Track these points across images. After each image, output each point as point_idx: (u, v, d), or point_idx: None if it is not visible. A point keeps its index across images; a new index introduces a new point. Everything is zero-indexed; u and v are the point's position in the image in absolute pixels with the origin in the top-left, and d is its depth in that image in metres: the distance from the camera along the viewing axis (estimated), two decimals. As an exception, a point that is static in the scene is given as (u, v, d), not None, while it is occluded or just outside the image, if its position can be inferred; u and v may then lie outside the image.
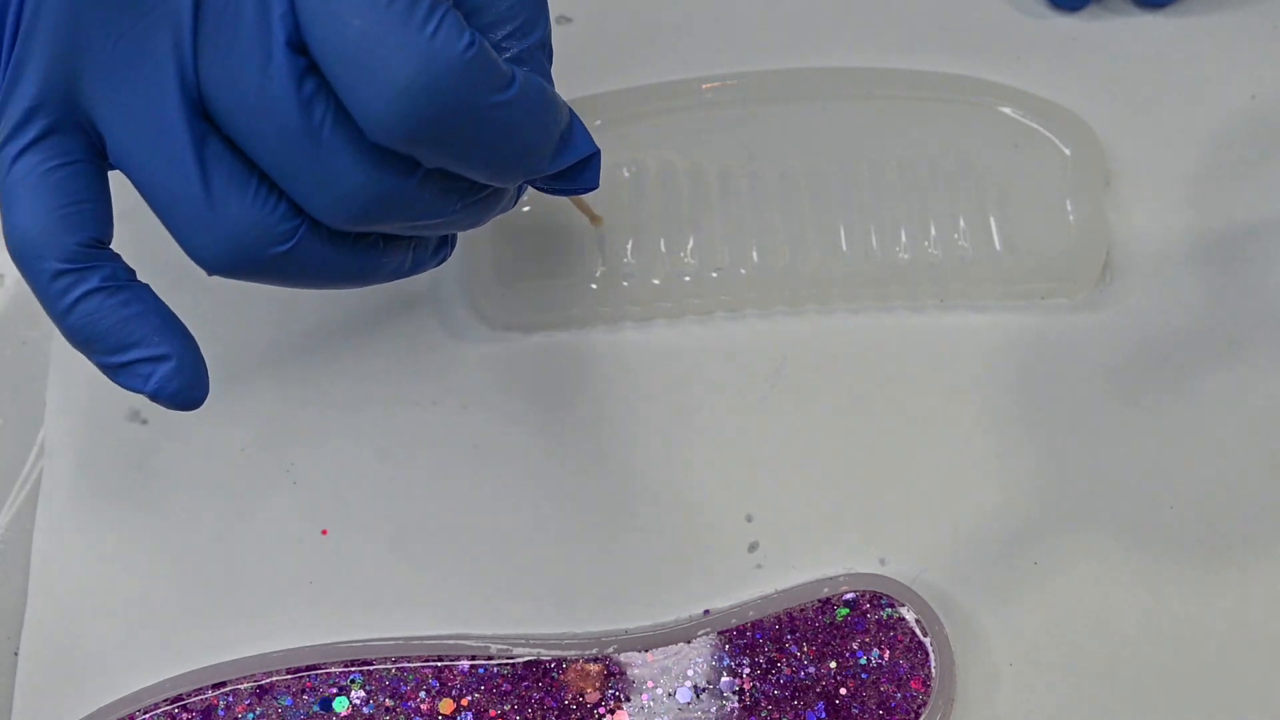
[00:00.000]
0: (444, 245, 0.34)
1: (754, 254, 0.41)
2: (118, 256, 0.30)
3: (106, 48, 0.29)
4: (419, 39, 0.27)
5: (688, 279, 0.41)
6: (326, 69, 0.28)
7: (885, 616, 0.38)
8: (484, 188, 0.31)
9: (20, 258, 0.29)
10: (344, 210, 0.29)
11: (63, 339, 0.41)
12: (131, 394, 0.41)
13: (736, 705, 0.37)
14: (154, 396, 0.30)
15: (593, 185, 0.32)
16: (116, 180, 0.31)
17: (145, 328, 0.30)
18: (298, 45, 0.28)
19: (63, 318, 0.30)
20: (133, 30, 0.29)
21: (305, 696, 0.38)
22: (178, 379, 0.30)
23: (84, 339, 0.30)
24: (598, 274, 0.41)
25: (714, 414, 0.41)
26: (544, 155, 0.30)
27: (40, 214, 0.29)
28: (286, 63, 0.28)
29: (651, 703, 0.37)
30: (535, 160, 0.30)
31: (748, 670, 0.38)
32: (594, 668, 0.38)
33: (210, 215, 0.29)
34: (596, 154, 0.32)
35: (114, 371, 0.30)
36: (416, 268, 0.33)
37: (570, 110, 0.32)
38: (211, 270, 0.30)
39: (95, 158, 0.30)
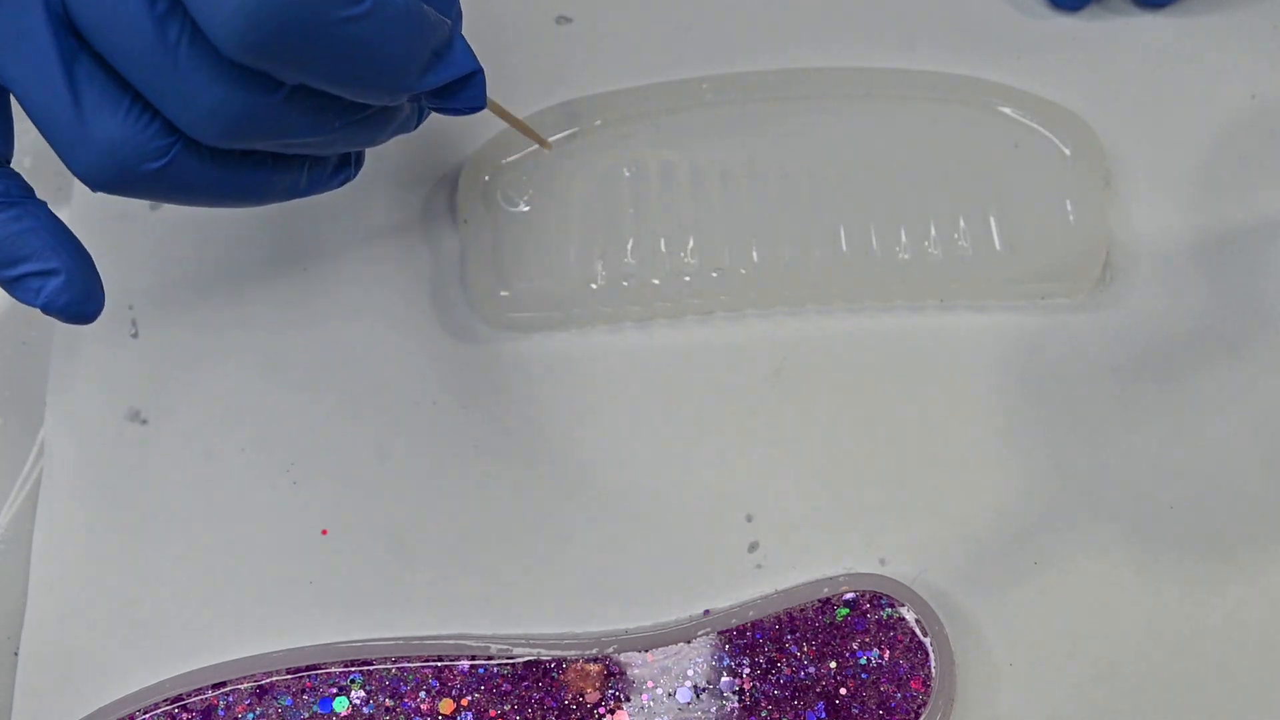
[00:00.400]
0: (345, 166, 0.34)
1: (754, 254, 0.41)
2: (16, 175, 0.31)
3: None
4: None
5: (688, 279, 0.41)
6: None
7: (885, 616, 0.38)
8: (364, 107, 0.31)
9: None
10: (210, 127, 0.29)
11: (64, 338, 0.41)
12: (131, 394, 0.41)
13: (736, 705, 0.37)
14: (45, 309, 0.31)
15: (478, 104, 0.32)
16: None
17: (35, 243, 0.30)
18: None
19: None
20: None
21: (305, 696, 0.37)
22: (67, 293, 0.31)
23: None
24: (598, 274, 0.41)
25: (714, 414, 0.41)
26: (410, 72, 0.30)
27: None
28: None
29: (651, 703, 0.37)
30: (400, 78, 0.30)
31: (748, 670, 0.38)
32: (594, 668, 0.38)
33: (83, 132, 0.30)
34: (477, 71, 0.31)
35: (7, 286, 0.31)
36: (314, 186, 0.33)
37: (452, 27, 0.31)
38: (93, 186, 0.30)
39: None
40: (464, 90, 0.31)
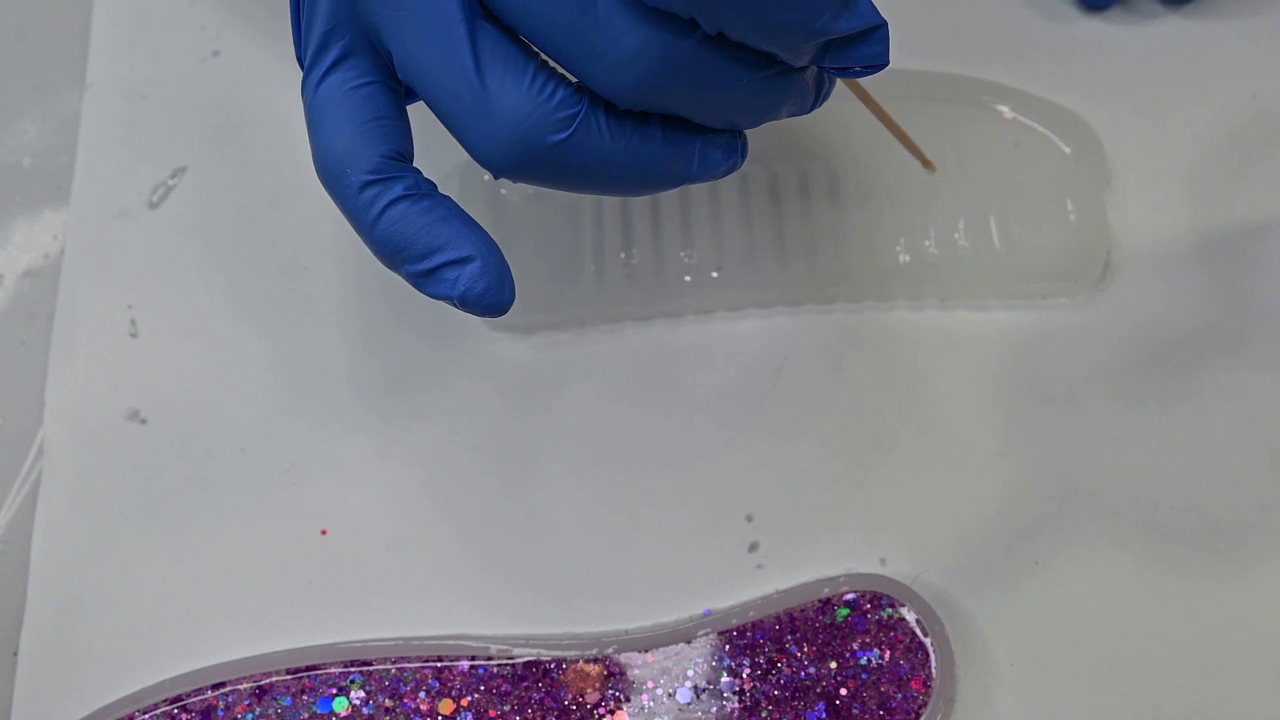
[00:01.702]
0: (732, 151, 0.33)
1: (754, 254, 0.41)
2: (419, 171, 0.31)
3: None
4: None
5: (688, 279, 0.41)
6: None
7: (885, 617, 0.38)
8: (773, 63, 0.30)
9: (329, 174, 0.30)
10: (625, 76, 0.29)
11: (63, 338, 0.41)
12: (130, 394, 0.41)
13: (737, 706, 0.37)
14: (462, 299, 0.30)
15: (881, 60, 0.30)
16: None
17: (449, 232, 0.30)
18: None
19: (371, 228, 0.30)
20: None
21: (305, 697, 0.37)
22: (484, 279, 0.30)
23: (392, 248, 0.30)
24: (598, 274, 0.41)
25: (714, 414, 0.41)
26: (819, 13, 0.28)
27: (345, 130, 0.30)
28: None
29: (651, 703, 0.37)
30: (815, 17, 0.28)
31: (748, 671, 0.37)
32: (594, 668, 0.38)
33: (487, 108, 0.29)
34: (883, 24, 0.30)
35: (422, 280, 0.30)
36: (705, 170, 0.32)
37: None
38: (497, 169, 0.30)
39: (389, 79, 0.31)
40: (867, 44, 0.30)
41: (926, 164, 0.40)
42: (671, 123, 0.31)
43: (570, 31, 0.29)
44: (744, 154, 0.33)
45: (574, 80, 0.30)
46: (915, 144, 0.40)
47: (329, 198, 0.40)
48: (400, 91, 0.31)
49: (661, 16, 0.28)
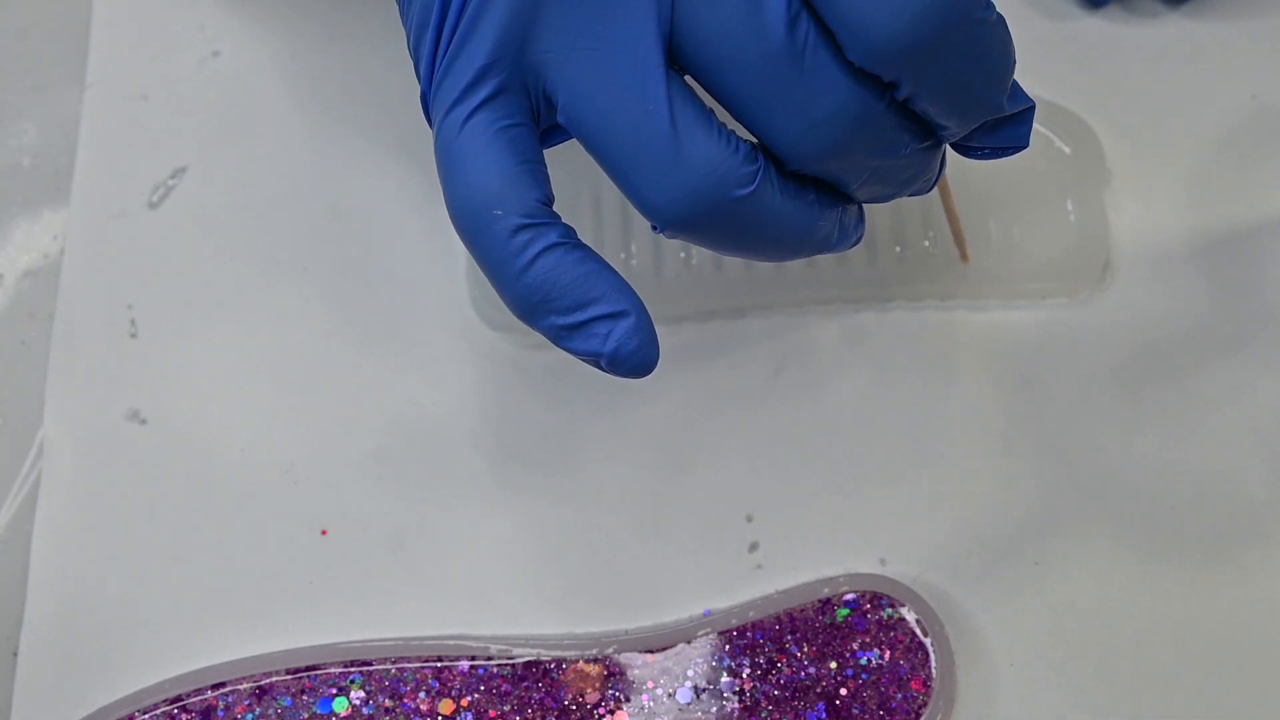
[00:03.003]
0: (862, 219, 0.33)
1: (754, 254, 0.41)
2: (559, 217, 0.30)
3: None
4: None
5: (688, 279, 0.41)
6: None
7: (885, 617, 0.38)
8: (929, 136, 0.30)
9: (474, 216, 0.29)
10: (817, 136, 0.28)
11: (63, 338, 0.41)
12: (130, 394, 0.41)
13: (737, 706, 0.37)
14: (611, 357, 0.29)
15: (1023, 143, 0.31)
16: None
17: (603, 284, 0.29)
18: None
19: (520, 275, 0.29)
20: None
21: (305, 697, 0.37)
22: (637, 336, 0.29)
23: (541, 297, 0.29)
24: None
25: (714, 414, 0.41)
26: (1003, 90, 0.29)
27: (498, 171, 0.29)
28: None
29: (652, 703, 0.37)
30: (997, 92, 0.29)
31: (748, 671, 0.37)
32: (594, 668, 0.38)
33: (676, 158, 0.28)
34: (1033, 107, 0.31)
35: (569, 333, 0.29)
36: (841, 240, 0.32)
37: None
38: (669, 222, 0.29)
39: (533, 121, 0.30)
40: (1018, 124, 0.31)
41: (964, 256, 0.41)
42: (824, 188, 0.31)
43: (770, 86, 0.28)
44: (862, 232, 0.33)
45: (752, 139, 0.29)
46: (963, 233, 0.40)
47: (328, 199, 0.40)
48: (538, 136, 0.30)
49: (863, 77, 0.28)
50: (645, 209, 0.29)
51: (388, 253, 0.43)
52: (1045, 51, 0.44)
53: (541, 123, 0.30)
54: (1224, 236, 0.42)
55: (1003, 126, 0.30)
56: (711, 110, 0.29)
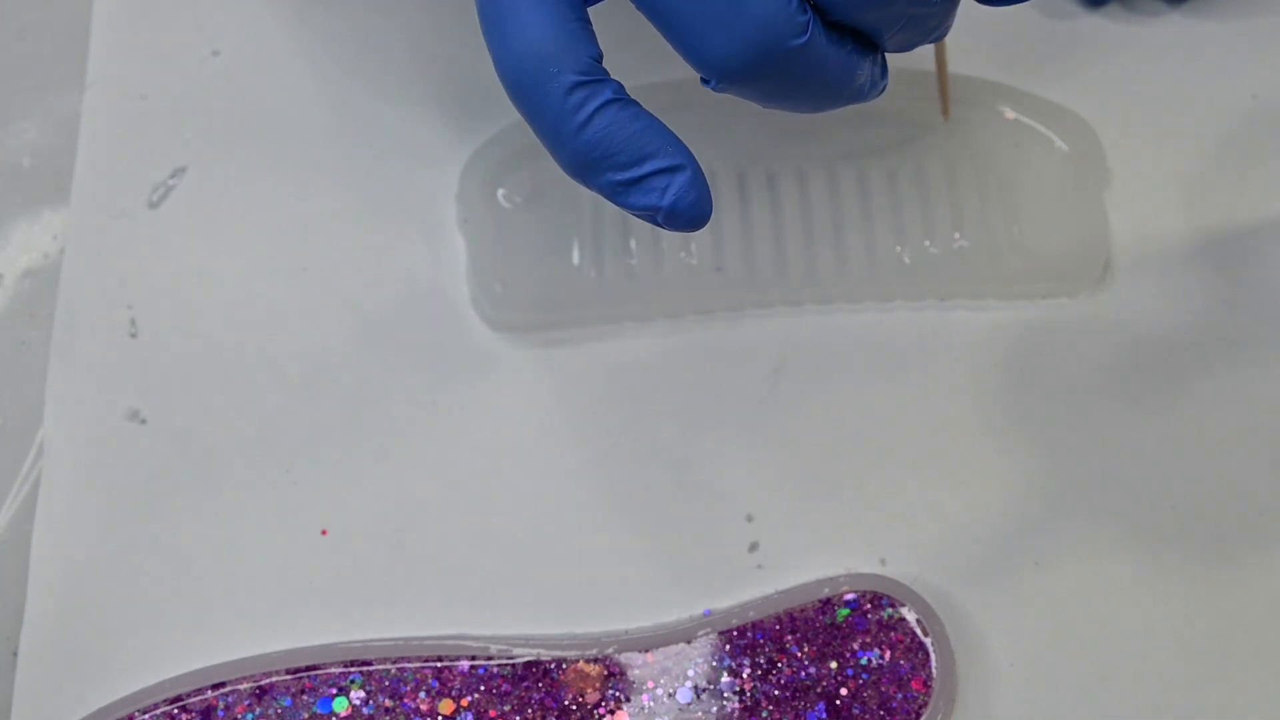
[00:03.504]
0: (884, 73, 0.33)
1: (754, 254, 0.41)
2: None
3: None
4: None
5: (688, 279, 0.41)
6: None
7: (886, 617, 0.38)
8: None
9: (530, 73, 0.29)
10: None
11: (63, 338, 0.41)
12: (130, 394, 0.41)
13: (737, 706, 0.37)
14: (670, 211, 0.29)
15: None
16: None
17: (660, 139, 0.29)
18: None
19: (578, 132, 0.29)
20: None
21: (305, 697, 0.37)
22: (694, 189, 0.29)
23: (600, 153, 0.29)
24: (598, 274, 0.41)
25: (714, 414, 0.41)
26: None
27: (550, 28, 0.29)
28: None
29: (652, 703, 0.37)
30: None
31: (748, 671, 0.37)
32: (594, 668, 0.38)
33: (737, 10, 0.28)
34: None
35: (627, 188, 0.29)
36: (871, 88, 0.32)
37: None
38: (727, 74, 0.29)
39: None
40: None
41: (945, 112, 0.41)
42: (859, 37, 0.31)
43: None
44: (886, 82, 0.33)
45: None
46: (949, 90, 0.41)
47: (329, 199, 0.40)
48: None
49: None
50: (701, 62, 0.29)
51: (388, 252, 0.43)
52: (1045, 50, 0.44)
53: None
54: (1224, 236, 0.42)
55: None
56: None
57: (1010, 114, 0.43)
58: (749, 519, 0.40)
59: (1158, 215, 0.43)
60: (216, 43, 0.45)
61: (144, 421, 0.41)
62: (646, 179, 0.29)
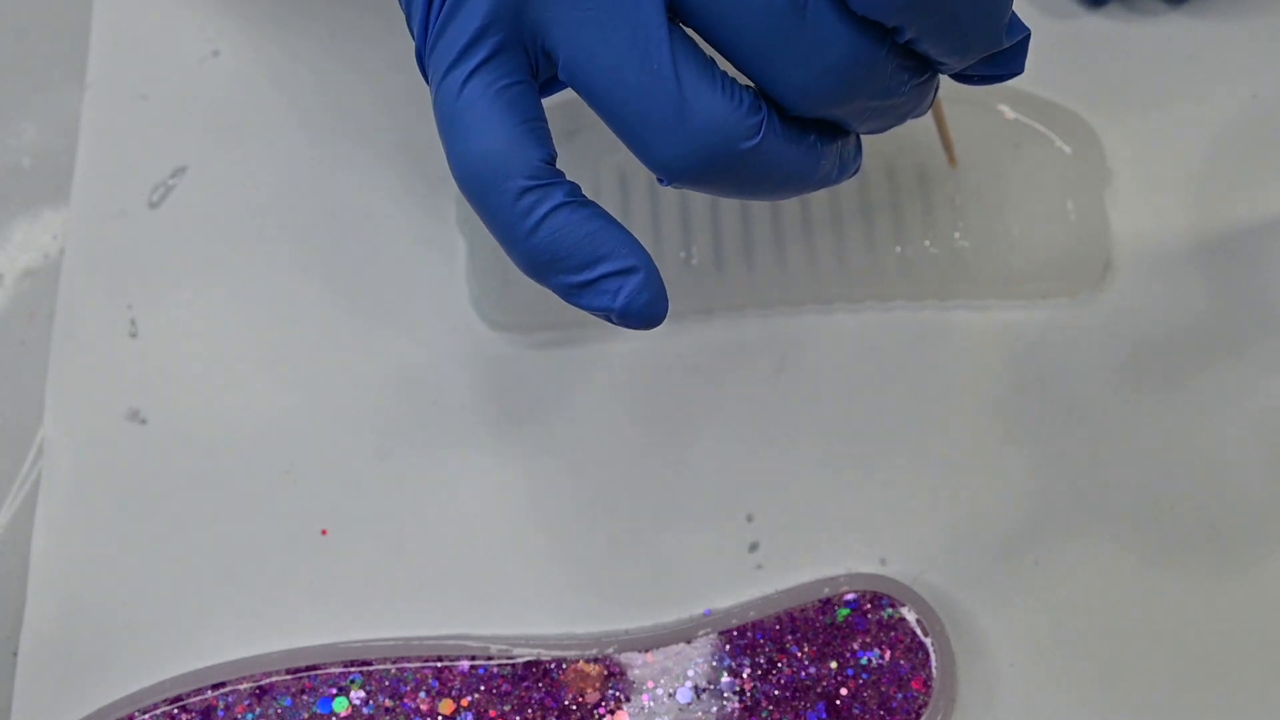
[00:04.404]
0: (858, 154, 0.33)
1: (754, 254, 0.41)
2: (564, 175, 0.30)
3: None
4: None
5: (688, 279, 0.41)
6: None
7: (886, 617, 0.38)
8: (927, 70, 0.31)
9: (478, 179, 0.29)
10: (821, 86, 0.29)
11: (63, 338, 0.41)
12: (130, 394, 0.41)
13: (737, 706, 0.37)
14: (622, 312, 0.29)
15: (1020, 68, 0.31)
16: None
17: (612, 240, 0.29)
18: None
19: (528, 237, 0.29)
20: None
21: (305, 697, 0.37)
22: (647, 291, 0.29)
23: (550, 258, 0.29)
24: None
25: (714, 414, 0.41)
26: (1003, 25, 0.29)
27: (500, 132, 0.29)
28: None
29: (652, 703, 0.37)
30: (997, 28, 0.29)
31: (748, 671, 0.37)
32: (594, 668, 0.38)
33: (683, 113, 0.28)
34: (1028, 35, 0.31)
35: (579, 290, 0.29)
36: (842, 172, 0.32)
37: None
38: (680, 176, 0.29)
39: (532, 76, 0.30)
40: (1015, 56, 0.31)
41: (951, 160, 0.41)
42: (824, 127, 0.31)
43: (772, 37, 0.28)
44: (859, 162, 0.33)
45: (753, 86, 0.29)
46: (951, 139, 0.40)
47: (331, 198, 0.40)
48: (538, 91, 0.30)
49: (865, 24, 0.28)
50: (651, 164, 0.29)
51: (388, 252, 0.43)
52: (1045, 50, 0.44)
53: (540, 75, 0.30)
54: (1224, 236, 0.42)
55: (1006, 57, 0.31)
56: (713, 60, 0.29)
57: (1010, 114, 0.43)
58: (749, 519, 0.40)
59: (1158, 215, 0.43)
60: (216, 43, 0.45)
61: (144, 421, 0.41)
62: (598, 281, 0.29)
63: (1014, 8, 0.30)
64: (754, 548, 0.40)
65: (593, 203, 0.29)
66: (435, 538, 0.40)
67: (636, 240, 0.29)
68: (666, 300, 0.30)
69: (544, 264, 0.29)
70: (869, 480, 0.40)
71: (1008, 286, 0.42)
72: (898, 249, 0.41)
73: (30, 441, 0.41)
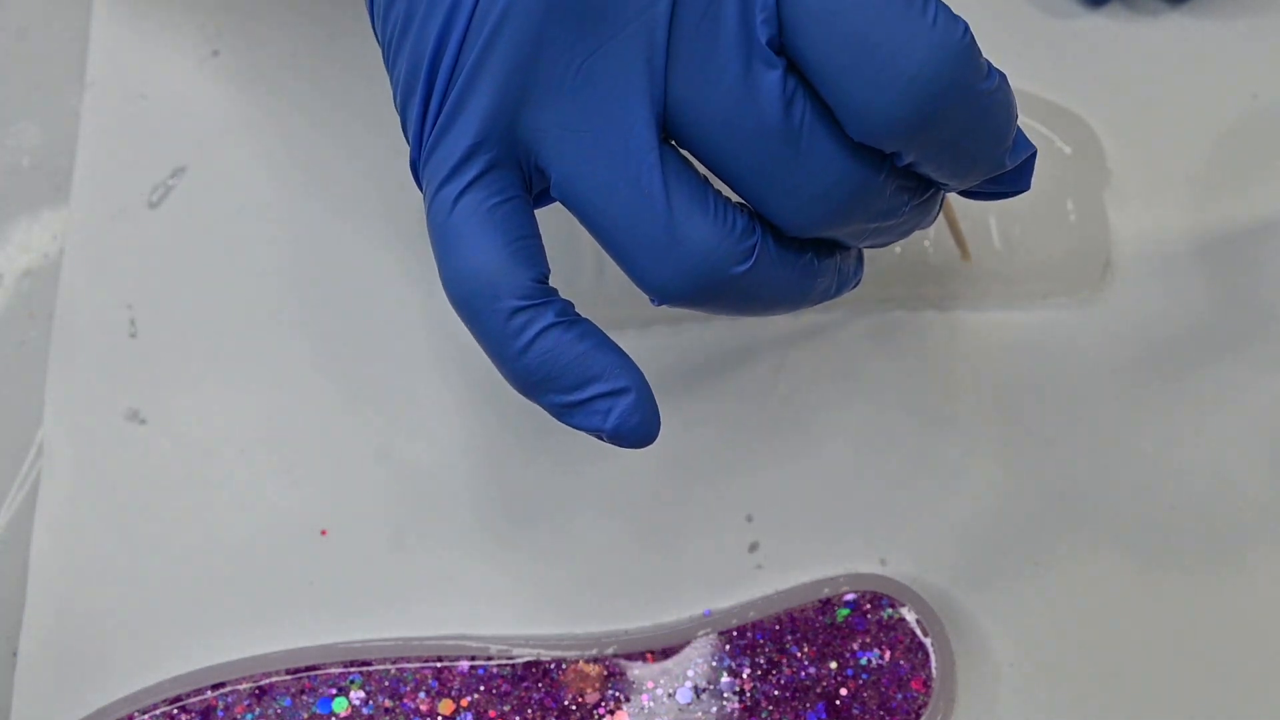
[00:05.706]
0: (859, 268, 0.33)
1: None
2: (557, 292, 0.29)
3: (567, 71, 0.28)
4: (924, 27, 0.26)
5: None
6: (816, 66, 0.27)
7: (886, 617, 0.38)
8: (929, 189, 0.30)
9: (470, 299, 0.28)
10: (816, 210, 0.28)
11: (63, 338, 0.41)
12: (130, 394, 0.41)
13: (737, 706, 0.37)
14: (614, 433, 0.29)
15: (1027, 186, 0.31)
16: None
17: (603, 361, 0.29)
18: (778, 47, 0.27)
19: (518, 357, 0.29)
20: (603, 48, 0.28)
21: (304, 697, 0.37)
22: (638, 412, 0.29)
23: (541, 378, 0.29)
24: (598, 275, 0.41)
25: (714, 414, 0.41)
26: (1005, 148, 0.29)
27: (491, 252, 0.28)
28: (770, 65, 0.27)
29: (652, 703, 0.37)
30: (1001, 152, 0.29)
31: (748, 671, 0.37)
32: (594, 668, 0.38)
33: (674, 237, 0.28)
34: (1034, 154, 0.31)
35: (570, 410, 0.29)
36: (842, 287, 0.32)
37: None
38: (667, 298, 0.29)
39: (525, 193, 0.29)
40: (1021, 174, 0.30)
41: (965, 255, 0.41)
42: (823, 244, 0.31)
43: (765, 161, 0.28)
44: (860, 275, 0.33)
45: (747, 207, 0.29)
46: (963, 235, 0.40)
47: (331, 199, 0.40)
48: (532, 207, 0.30)
49: (863, 150, 0.28)
50: (643, 285, 0.29)
51: (388, 252, 0.43)
52: (1045, 50, 0.44)
53: (534, 189, 0.30)
54: (1224, 236, 0.42)
55: (1012, 176, 0.30)
56: (707, 179, 0.29)
57: (1010, 114, 0.43)
58: (749, 519, 0.40)
59: (1158, 215, 0.43)
60: (216, 43, 0.45)
61: (144, 421, 0.41)
62: (590, 402, 0.29)
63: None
64: (754, 548, 0.40)
65: (585, 320, 0.29)
66: (435, 538, 0.40)
67: (629, 359, 0.29)
68: (659, 420, 0.29)
69: (535, 383, 0.29)
70: (869, 480, 0.40)
71: (1008, 287, 0.42)
72: (897, 250, 0.41)
73: (30, 441, 0.41)
